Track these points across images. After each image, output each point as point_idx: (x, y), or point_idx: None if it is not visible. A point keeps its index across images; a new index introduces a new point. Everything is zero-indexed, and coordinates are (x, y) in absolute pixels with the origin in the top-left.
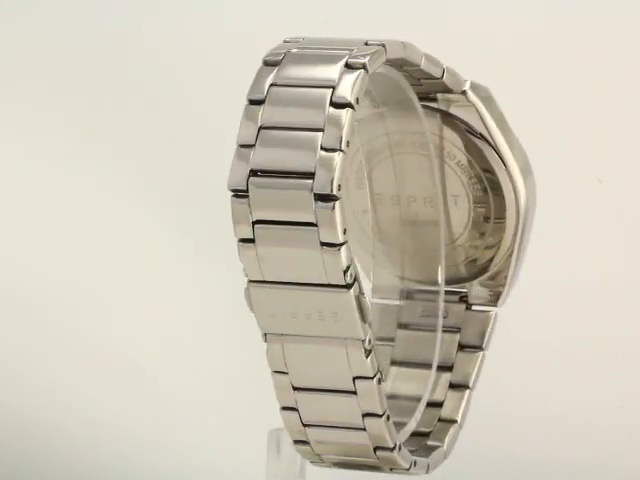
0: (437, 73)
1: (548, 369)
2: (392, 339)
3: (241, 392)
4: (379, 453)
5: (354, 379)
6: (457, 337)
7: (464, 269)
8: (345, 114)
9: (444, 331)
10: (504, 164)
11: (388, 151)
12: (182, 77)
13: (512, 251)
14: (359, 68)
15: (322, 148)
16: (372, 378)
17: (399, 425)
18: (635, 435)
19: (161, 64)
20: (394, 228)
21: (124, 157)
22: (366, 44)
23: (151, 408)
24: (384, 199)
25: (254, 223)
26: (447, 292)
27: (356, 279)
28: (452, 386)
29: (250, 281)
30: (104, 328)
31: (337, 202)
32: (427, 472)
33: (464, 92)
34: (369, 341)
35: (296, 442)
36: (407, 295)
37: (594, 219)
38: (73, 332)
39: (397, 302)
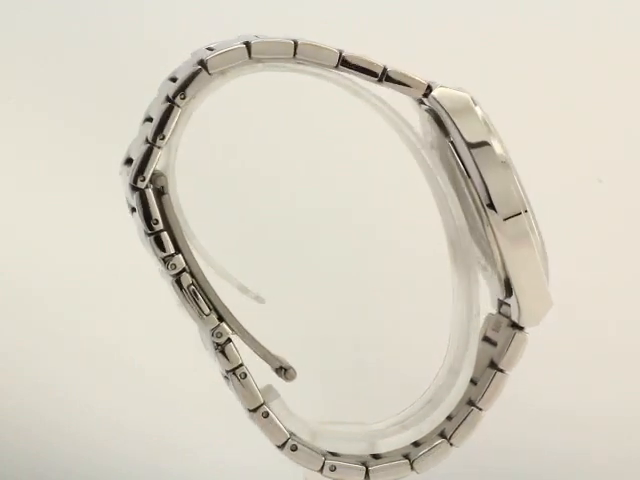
0: (370, 76)
1: (546, 368)
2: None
3: None
4: (279, 450)
5: (226, 372)
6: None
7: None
8: (166, 108)
9: (490, 345)
10: (468, 175)
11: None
12: None
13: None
14: (200, 65)
15: (145, 140)
16: (231, 372)
17: (405, 429)
18: None
19: (161, 64)
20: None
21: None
22: (245, 43)
23: (152, 408)
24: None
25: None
26: (506, 304)
27: (185, 271)
28: (468, 402)
29: None
30: (104, 328)
31: (140, 192)
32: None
33: (426, 95)
34: (218, 334)
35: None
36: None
37: (594, 219)
38: (73, 332)
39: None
